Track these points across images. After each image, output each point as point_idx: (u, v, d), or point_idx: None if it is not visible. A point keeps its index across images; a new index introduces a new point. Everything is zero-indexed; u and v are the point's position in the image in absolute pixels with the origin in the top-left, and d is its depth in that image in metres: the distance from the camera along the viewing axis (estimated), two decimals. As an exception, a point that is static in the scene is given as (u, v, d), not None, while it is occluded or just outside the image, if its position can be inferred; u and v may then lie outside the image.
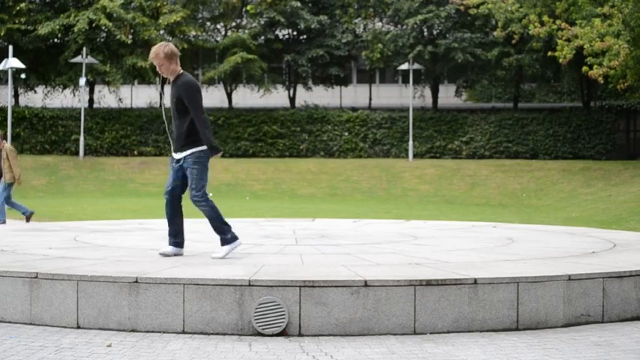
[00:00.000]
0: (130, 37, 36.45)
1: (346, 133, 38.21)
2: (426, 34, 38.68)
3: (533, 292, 6.17)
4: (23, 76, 34.90)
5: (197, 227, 10.36)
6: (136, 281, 6.00)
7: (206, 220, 7.51)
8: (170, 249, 7.52)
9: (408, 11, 37.33)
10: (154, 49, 7.35)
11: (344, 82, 43.17)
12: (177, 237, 7.54)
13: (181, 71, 7.40)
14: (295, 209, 22.35)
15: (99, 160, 35.30)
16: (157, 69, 7.38)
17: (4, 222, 15.84)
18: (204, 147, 7.29)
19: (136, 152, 36.94)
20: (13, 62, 22.71)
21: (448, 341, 5.69)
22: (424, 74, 39.62)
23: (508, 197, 30.19)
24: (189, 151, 7.29)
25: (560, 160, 36.15)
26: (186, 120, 7.27)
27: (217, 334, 5.86)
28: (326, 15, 39.06)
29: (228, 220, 7.57)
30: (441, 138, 37.79)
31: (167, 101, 7.62)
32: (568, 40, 25.67)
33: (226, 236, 7.41)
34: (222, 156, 37.31)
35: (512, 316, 6.10)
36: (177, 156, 7.37)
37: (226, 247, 7.41)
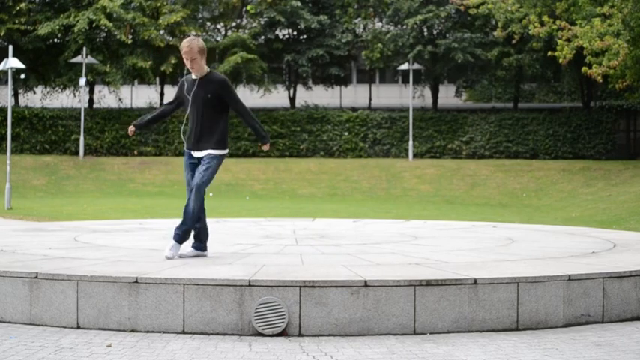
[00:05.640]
0: (130, 37, 36.44)
1: (346, 133, 38.21)
2: (426, 34, 38.68)
3: (533, 292, 6.17)
4: (23, 76, 34.88)
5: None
6: (136, 281, 6.00)
7: (206, 220, 7.50)
8: (191, 250, 7.38)
9: (408, 11, 37.33)
10: (187, 42, 7.17)
11: (344, 82, 43.16)
12: (203, 239, 7.43)
13: (208, 69, 7.36)
14: (295, 209, 22.34)
15: (99, 160, 35.29)
16: (188, 64, 7.20)
17: None
18: (226, 152, 7.33)
19: (136, 152, 36.94)
20: (13, 62, 22.63)
21: (448, 341, 5.69)
22: (424, 74, 39.62)
23: (508, 197, 30.18)
24: (215, 152, 7.22)
25: (560, 160, 36.15)
26: (220, 119, 7.25)
27: (217, 334, 5.86)
28: (326, 15, 39.06)
29: (227, 221, 7.58)
30: (441, 138, 37.79)
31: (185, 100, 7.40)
32: (568, 40, 25.67)
33: (185, 236, 7.25)
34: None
35: (512, 316, 6.11)
36: (197, 154, 7.26)
37: (176, 246, 7.24)
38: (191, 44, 7.18)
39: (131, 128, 7.51)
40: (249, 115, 7.41)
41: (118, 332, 5.90)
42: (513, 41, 33.08)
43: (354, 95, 46.96)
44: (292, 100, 41.20)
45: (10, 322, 6.22)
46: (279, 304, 5.80)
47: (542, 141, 37.29)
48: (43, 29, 35.10)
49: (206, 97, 7.20)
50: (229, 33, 39.49)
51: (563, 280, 6.30)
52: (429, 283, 5.99)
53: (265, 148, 7.50)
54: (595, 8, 25.59)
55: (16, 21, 35.72)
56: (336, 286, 5.90)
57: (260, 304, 5.81)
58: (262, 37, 39.50)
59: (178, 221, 7.44)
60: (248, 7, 39.25)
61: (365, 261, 7.26)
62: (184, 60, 7.24)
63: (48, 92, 39.68)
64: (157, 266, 6.65)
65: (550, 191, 30.53)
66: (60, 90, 38.95)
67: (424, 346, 5.56)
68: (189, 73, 7.43)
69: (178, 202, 24.74)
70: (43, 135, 36.31)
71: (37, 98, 39.93)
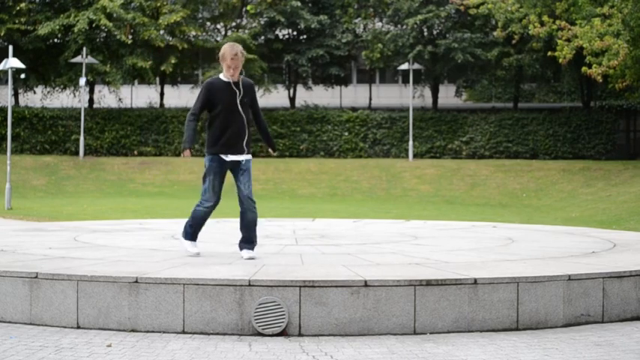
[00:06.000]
0: (130, 37, 36.43)
1: (346, 133, 38.20)
2: (426, 34, 38.67)
3: (533, 292, 6.17)
4: (23, 76, 34.87)
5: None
6: (136, 281, 6.00)
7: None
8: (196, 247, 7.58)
9: (408, 11, 37.32)
10: (234, 50, 7.18)
11: (344, 82, 43.16)
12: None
13: None
14: (295, 209, 22.33)
15: (99, 160, 35.29)
16: (231, 71, 7.18)
17: None
18: None
19: (136, 152, 36.93)
20: (13, 62, 22.62)
21: (448, 341, 5.69)
22: (424, 74, 39.60)
23: (508, 197, 30.18)
24: (250, 157, 7.39)
25: (560, 160, 36.14)
26: (249, 122, 7.39)
27: (217, 334, 5.86)
28: (326, 15, 39.04)
29: (227, 220, 7.61)
30: (441, 138, 37.78)
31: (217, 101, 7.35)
32: (568, 40, 25.68)
33: (255, 242, 7.42)
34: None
35: (512, 316, 6.11)
36: (236, 158, 7.28)
37: (254, 252, 7.42)
38: (239, 52, 7.21)
39: (187, 152, 7.37)
40: (264, 120, 7.59)
41: (118, 332, 5.90)
42: (513, 41, 33.07)
43: (354, 95, 46.96)
44: (292, 100, 41.19)
45: (10, 322, 6.22)
46: (279, 304, 5.80)
47: (542, 141, 37.28)
48: (43, 29, 35.09)
49: (244, 101, 7.31)
50: (229, 33, 39.46)
51: (563, 280, 6.29)
52: (429, 283, 5.99)
53: (274, 152, 7.82)
54: (595, 8, 25.60)
55: (16, 21, 35.71)
56: (336, 286, 5.90)
57: (260, 304, 5.81)
58: (262, 37, 39.49)
59: (178, 221, 7.47)
60: (248, 7, 39.24)
61: (365, 261, 7.26)
62: (227, 67, 7.17)
63: (48, 92, 39.67)
64: (157, 266, 6.65)
65: (550, 191, 30.52)
66: (60, 90, 38.94)
67: (424, 346, 5.56)
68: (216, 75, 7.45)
69: (178, 202, 24.74)
70: (43, 135, 36.30)
71: (37, 98, 39.92)
